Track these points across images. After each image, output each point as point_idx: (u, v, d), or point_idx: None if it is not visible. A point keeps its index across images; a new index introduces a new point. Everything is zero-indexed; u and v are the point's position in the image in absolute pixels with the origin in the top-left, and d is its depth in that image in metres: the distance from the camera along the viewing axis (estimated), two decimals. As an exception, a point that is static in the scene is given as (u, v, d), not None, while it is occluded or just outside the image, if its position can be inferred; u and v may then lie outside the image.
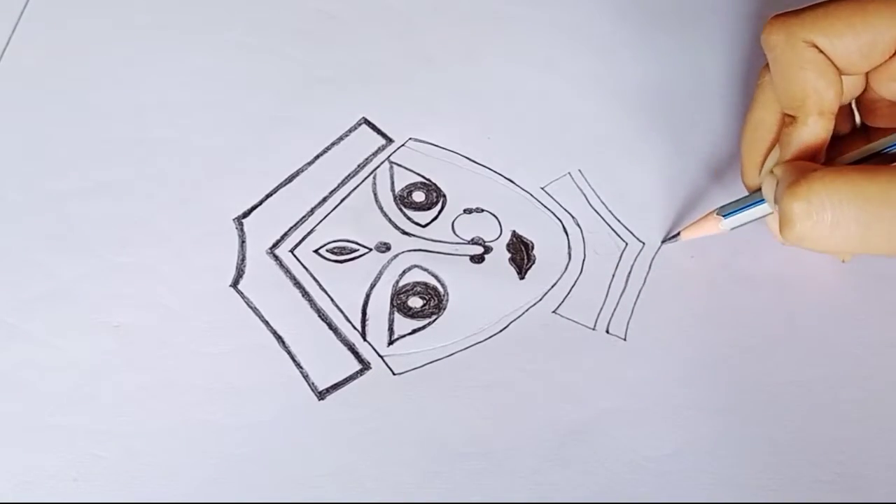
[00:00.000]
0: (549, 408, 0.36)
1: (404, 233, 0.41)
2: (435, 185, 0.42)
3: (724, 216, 0.38)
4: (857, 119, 0.38)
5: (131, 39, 0.47)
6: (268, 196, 0.41)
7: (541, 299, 0.39)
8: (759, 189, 0.36)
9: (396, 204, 0.41)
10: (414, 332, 0.38)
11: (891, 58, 0.34)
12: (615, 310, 0.38)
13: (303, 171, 0.42)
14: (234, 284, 0.39)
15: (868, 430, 0.35)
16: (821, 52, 0.34)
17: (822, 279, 0.39)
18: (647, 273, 0.39)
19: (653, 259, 0.40)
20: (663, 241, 0.40)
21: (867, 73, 0.36)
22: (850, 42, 0.34)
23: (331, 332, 0.38)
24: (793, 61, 0.34)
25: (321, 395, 0.36)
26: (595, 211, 0.41)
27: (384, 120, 0.44)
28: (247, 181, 0.42)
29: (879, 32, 0.34)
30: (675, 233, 0.40)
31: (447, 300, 0.39)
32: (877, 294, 0.39)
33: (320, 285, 0.39)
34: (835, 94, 0.34)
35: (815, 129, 0.35)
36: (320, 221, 0.41)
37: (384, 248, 0.40)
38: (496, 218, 0.41)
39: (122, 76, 0.45)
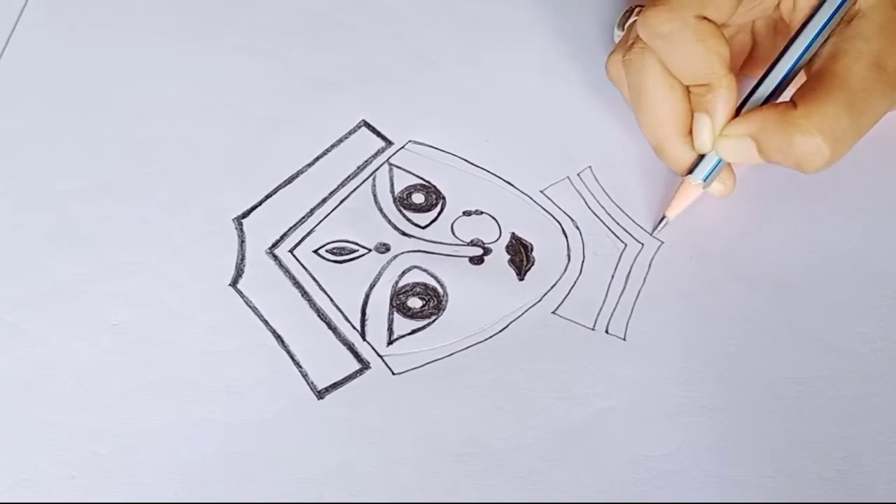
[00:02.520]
0: (549, 408, 0.36)
1: (404, 234, 0.41)
2: (434, 187, 0.42)
3: (702, 179, 0.40)
4: None
5: (131, 40, 0.47)
6: (267, 196, 0.42)
7: (540, 300, 0.39)
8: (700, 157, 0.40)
9: (396, 205, 0.41)
10: (413, 332, 0.38)
11: None
12: (614, 310, 0.38)
13: (302, 172, 0.42)
14: (234, 284, 0.39)
15: (869, 427, 0.35)
16: (709, 20, 0.37)
17: (821, 277, 0.39)
18: (647, 273, 0.39)
19: (652, 259, 0.40)
20: (653, 232, 0.41)
21: None
22: (727, 1, 0.38)
23: (330, 332, 0.38)
24: (691, 39, 0.37)
25: (320, 395, 0.36)
26: (594, 213, 0.41)
27: (384, 122, 0.44)
28: (246, 181, 0.42)
29: None
30: (660, 218, 0.40)
31: (446, 301, 0.39)
32: (876, 291, 0.39)
33: (319, 285, 0.39)
34: (728, 50, 0.38)
35: (732, 85, 0.38)
36: (320, 222, 0.41)
37: (384, 248, 0.40)
38: (495, 220, 0.41)
39: (121, 76, 0.45)
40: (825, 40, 0.38)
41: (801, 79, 0.38)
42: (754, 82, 0.39)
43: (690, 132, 0.39)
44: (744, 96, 0.39)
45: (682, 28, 0.37)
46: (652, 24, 0.37)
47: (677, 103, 0.39)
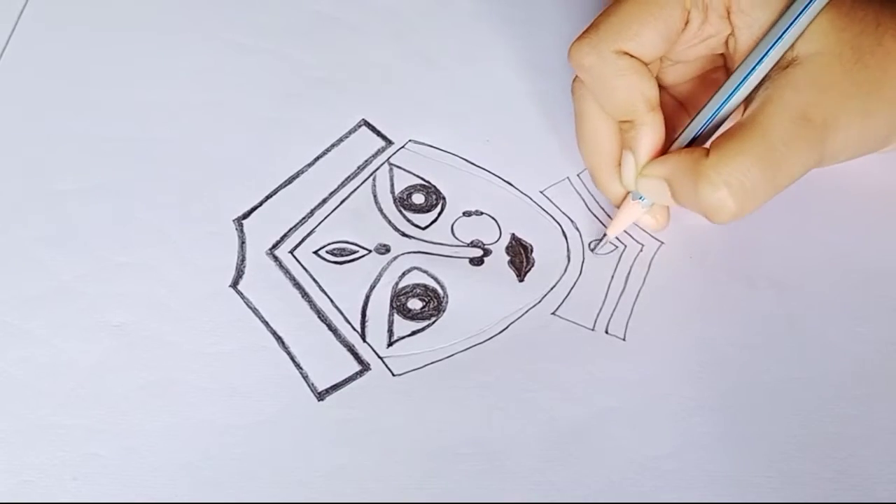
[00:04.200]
0: (549, 408, 0.36)
1: (404, 235, 0.41)
2: (434, 187, 0.42)
3: (642, 199, 0.38)
4: None
5: (131, 39, 0.47)
6: (268, 197, 0.42)
7: (540, 301, 0.39)
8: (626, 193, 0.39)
9: (396, 206, 0.42)
10: (413, 333, 0.38)
11: (684, 28, 0.37)
12: (614, 310, 0.38)
13: (303, 172, 0.42)
14: (234, 285, 0.39)
15: (868, 427, 0.35)
16: (630, 55, 0.36)
17: (821, 277, 0.39)
18: (646, 273, 0.39)
19: (651, 260, 0.40)
20: (594, 250, 0.40)
21: None
22: (650, 36, 0.37)
23: (330, 333, 0.38)
24: (610, 73, 0.37)
25: (321, 396, 0.36)
26: (594, 215, 0.41)
27: (384, 122, 0.44)
28: (247, 182, 0.42)
29: (669, 16, 0.37)
30: (600, 237, 0.40)
31: (447, 302, 0.39)
32: (876, 291, 0.39)
33: (320, 286, 0.39)
34: (654, 86, 0.37)
35: (654, 124, 0.37)
36: (320, 223, 0.41)
37: (384, 249, 0.40)
38: (495, 221, 0.41)
39: (121, 76, 0.46)
40: (760, 84, 0.36)
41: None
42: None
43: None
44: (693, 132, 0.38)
45: (601, 62, 0.36)
46: (575, 56, 0.37)
47: (608, 136, 0.39)
